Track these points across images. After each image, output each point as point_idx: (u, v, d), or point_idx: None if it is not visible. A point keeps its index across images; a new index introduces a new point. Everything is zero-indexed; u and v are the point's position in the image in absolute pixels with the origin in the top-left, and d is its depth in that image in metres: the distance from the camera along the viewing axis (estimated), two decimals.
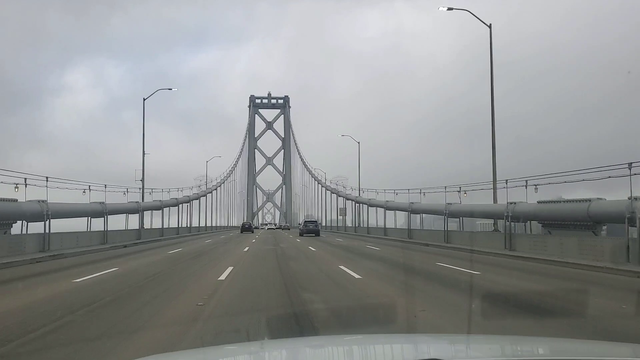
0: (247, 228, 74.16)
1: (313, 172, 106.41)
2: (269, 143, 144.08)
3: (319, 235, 54.81)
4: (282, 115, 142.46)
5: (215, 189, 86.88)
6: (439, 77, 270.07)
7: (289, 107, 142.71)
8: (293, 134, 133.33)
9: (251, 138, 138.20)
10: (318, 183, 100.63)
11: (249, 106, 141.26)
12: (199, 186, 74.06)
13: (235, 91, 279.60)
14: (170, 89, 48.39)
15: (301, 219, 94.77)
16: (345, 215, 75.18)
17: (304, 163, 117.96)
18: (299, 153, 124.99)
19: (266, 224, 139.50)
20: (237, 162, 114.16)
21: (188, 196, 64.37)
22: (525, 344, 3.49)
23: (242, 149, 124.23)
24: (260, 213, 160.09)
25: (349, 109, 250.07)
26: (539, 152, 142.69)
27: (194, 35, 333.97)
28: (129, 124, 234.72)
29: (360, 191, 69.79)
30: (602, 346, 3.86)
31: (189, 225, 63.98)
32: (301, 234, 55.70)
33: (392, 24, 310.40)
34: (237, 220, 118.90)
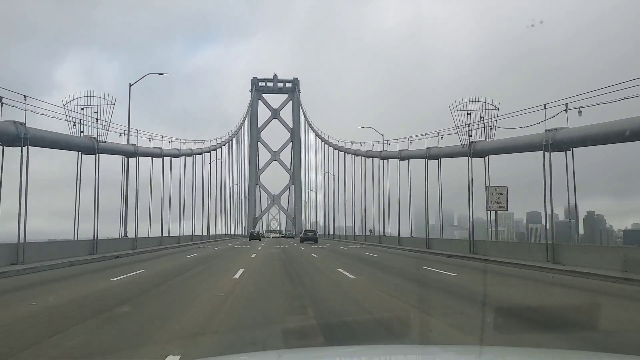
0: (255, 236, 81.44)
1: (347, 145, 73.79)
2: (275, 135, 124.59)
3: (316, 242, 60.44)
4: (291, 101, 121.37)
5: (174, 157, 49.55)
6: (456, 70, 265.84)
7: (299, 91, 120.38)
8: (306, 117, 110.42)
9: (253, 128, 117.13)
10: (365, 157, 63.44)
11: (251, 90, 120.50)
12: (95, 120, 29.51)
13: (238, 89, 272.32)
14: None
15: (307, 226, 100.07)
16: (507, 207, 29.85)
17: (323, 140, 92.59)
18: (316, 132, 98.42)
19: (271, 231, 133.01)
20: (230, 138, 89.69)
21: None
22: (538, 356, 3.48)
23: (239, 126, 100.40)
24: (264, 218, 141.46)
25: (363, 104, 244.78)
26: None
27: (194, 27, 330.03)
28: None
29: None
30: None
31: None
32: (302, 242, 61.81)
33: (409, 13, 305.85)
34: (238, 228, 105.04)
